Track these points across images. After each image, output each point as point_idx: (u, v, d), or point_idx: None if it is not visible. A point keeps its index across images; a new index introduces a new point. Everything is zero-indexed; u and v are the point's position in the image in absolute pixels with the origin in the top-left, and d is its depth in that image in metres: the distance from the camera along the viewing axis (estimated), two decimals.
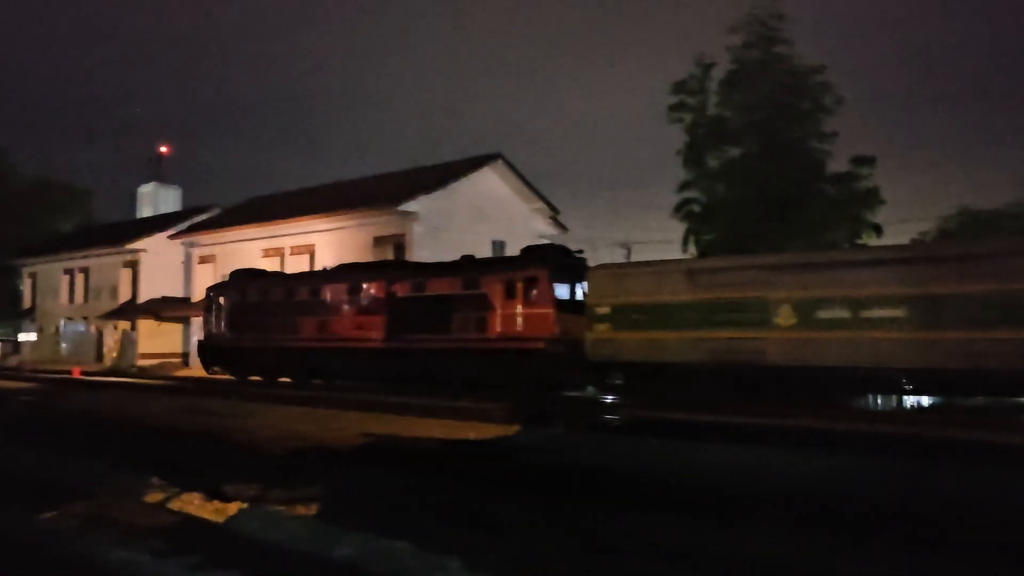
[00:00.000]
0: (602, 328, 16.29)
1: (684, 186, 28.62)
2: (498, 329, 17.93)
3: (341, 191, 32.45)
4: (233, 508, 7.91)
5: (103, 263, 39.43)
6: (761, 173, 25.62)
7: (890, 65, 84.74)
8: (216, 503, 8.21)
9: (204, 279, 33.53)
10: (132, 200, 50.13)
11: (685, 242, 28.01)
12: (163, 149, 51.17)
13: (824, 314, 13.51)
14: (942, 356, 12.38)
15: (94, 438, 12.34)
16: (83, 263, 41.07)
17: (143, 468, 9.80)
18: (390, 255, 27.33)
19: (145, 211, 48.32)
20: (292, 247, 30.57)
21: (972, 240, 18.77)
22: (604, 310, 16.30)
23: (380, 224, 27.58)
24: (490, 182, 29.58)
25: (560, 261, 18.36)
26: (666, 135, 28.22)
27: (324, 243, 29.40)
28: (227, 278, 27.17)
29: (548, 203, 31.02)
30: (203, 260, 34.35)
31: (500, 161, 29.83)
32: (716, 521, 7.14)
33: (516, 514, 7.63)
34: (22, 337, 46.04)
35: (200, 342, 26.81)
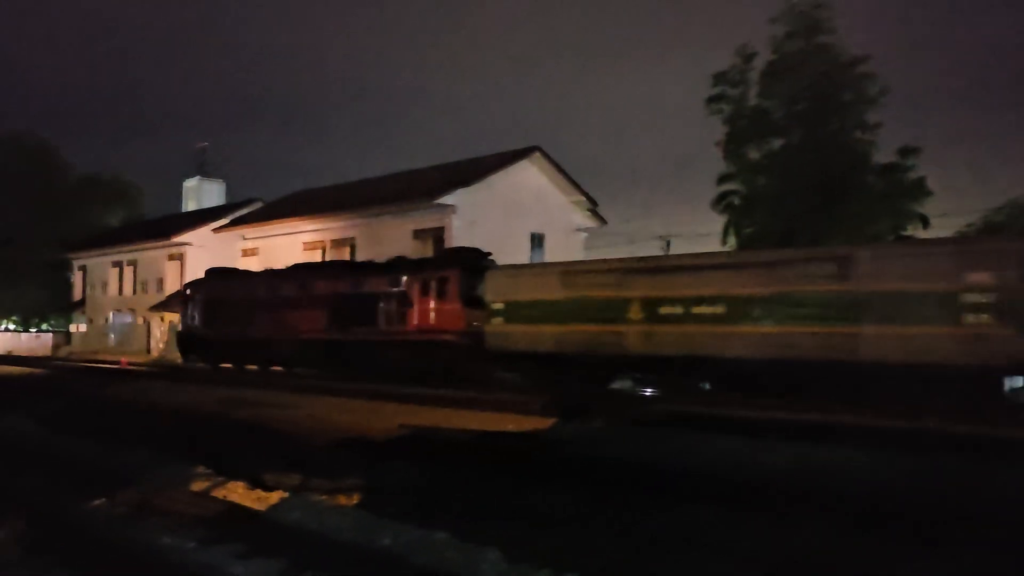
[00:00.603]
0: (497, 322, 18.39)
1: (724, 178, 28.31)
2: (415, 323, 20.00)
3: (381, 185, 32.73)
4: (275, 497, 8.06)
5: (150, 256, 40.30)
6: (803, 165, 25.22)
7: (936, 53, 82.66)
8: (259, 492, 8.37)
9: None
10: (178, 194, 51.18)
11: (725, 234, 27.71)
12: (205, 144, 52.16)
13: (664, 310, 15.76)
14: (753, 348, 14.40)
15: (141, 427, 12.64)
16: (131, 256, 42.02)
17: (188, 457, 10.04)
18: (429, 248, 27.51)
19: (190, 205, 49.25)
20: (333, 240, 30.93)
21: (777, 249, 20.86)
22: (499, 306, 18.42)
23: (419, 217, 27.76)
24: (528, 175, 29.56)
25: (471, 263, 20.07)
26: (707, 127, 27.95)
27: (364, 236, 29.69)
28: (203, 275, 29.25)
29: (587, 195, 30.90)
30: (247, 253, 34.92)
31: (538, 154, 29.79)
32: (761, 516, 7.08)
33: (555, 507, 7.65)
34: (72, 328, 47.34)
35: (178, 333, 29.09)
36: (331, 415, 13.30)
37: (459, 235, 26.39)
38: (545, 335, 17.52)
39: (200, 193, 48.95)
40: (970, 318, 12.40)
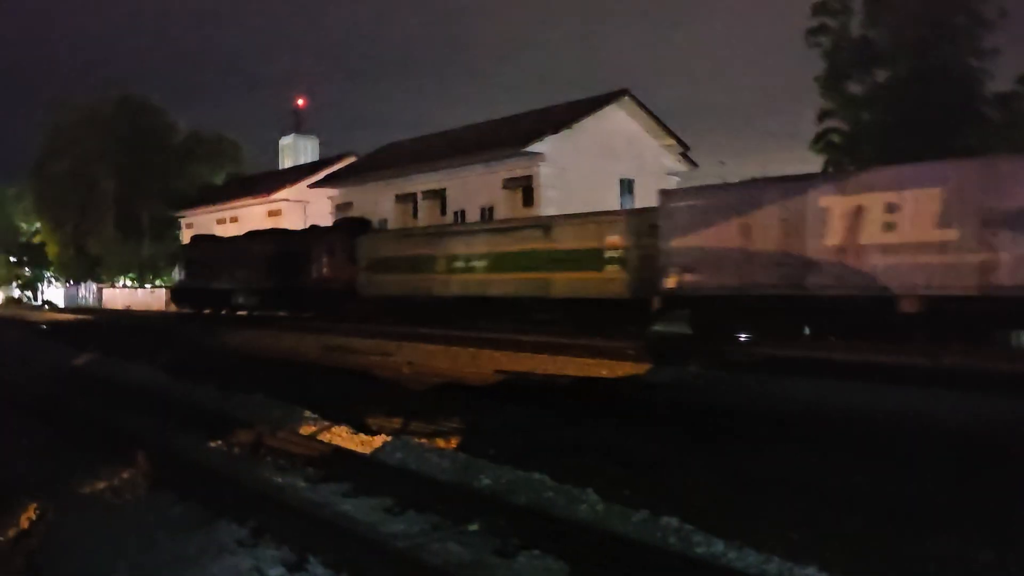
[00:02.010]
0: (364, 274, 24.35)
1: (824, 115, 27.03)
2: (317, 275, 26.34)
3: (470, 135, 32.70)
4: (378, 441, 8.36)
5: (251, 212, 41.78)
6: (912, 97, 23.75)
7: None
8: (362, 436, 8.70)
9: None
10: (275, 151, 52.70)
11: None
12: (300, 102, 53.28)
13: (455, 264, 21.06)
14: (502, 288, 19.67)
15: (250, 374, 13.27)
16: (233, 212, 43.70)
17: (296, 401, 10.50)
18: (519, 198, 27.46)
19: (287, 161, 50.65)
20: (423, 192, 31.24)
21: (513, 219, 25.66)
22: (365, 262, 24.34)
23: (508, 167, 27.68)
24: (618, 119, 28.92)
25: (357, 230, 26.42)
26: (806, 63, 26.66)
27: (454, 187, 29.88)
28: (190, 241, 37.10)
29: (678, 139, 30.05)
30: (340, 207, 35.75)
31: (627, 97, 29.05)
32: (862, 460, 6.89)
33: (650, 449, 7.66)
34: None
35: (173, 287, 37.53)
36: (429, 361, 13.62)
37: (548, 183, 26.21)
38: (390, 282, 23.31)
39: (296, 150, 50.24)
40: (607, 267, 17.35)
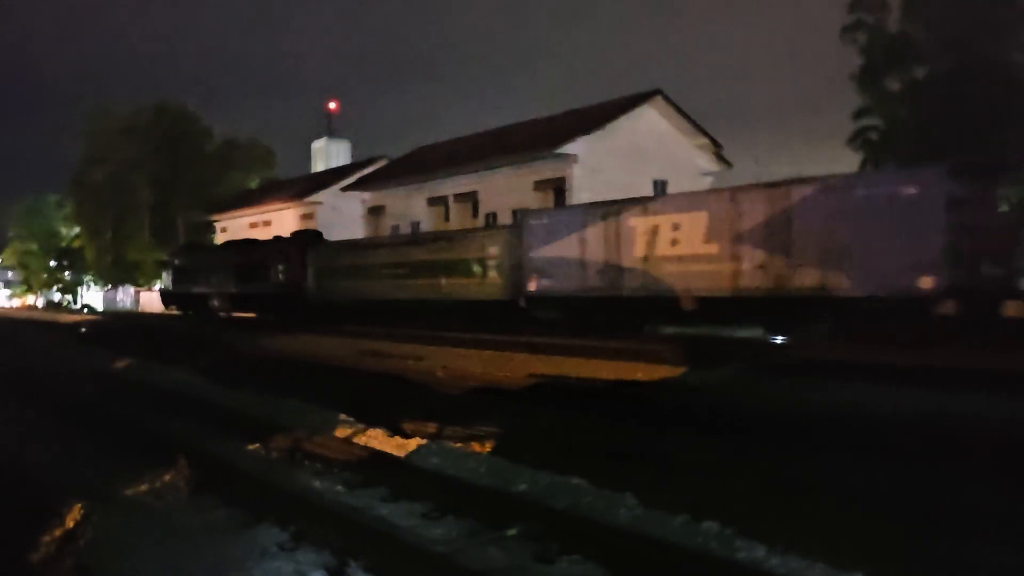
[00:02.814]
0: (314, 281, 27.54)
1: (861, 112, 26.58)
2: (275, 280, 29.21)
3: (501, 137, 32.69)
4: (413, 444, 8.38)
5: (283, 216, 42.23)
6: (953, 93, 23.25)
7: None
8: (398, 439, 8.72)
9: (376, 230, 35.19)
10: (307, 155, 53.23)
11: (862, 172, 26.08)
12: (332, 106, 53.72)
13: (384, 271, 24.11)
14: (411, 292, 22.80)
15: (287, 377, 13.40)
16: (266, 216, 44.20)
17: (330, 406, 10.57)
18: (550, 199, 27.38)
19: (319, 165, 51.12)
20: (455, 195, 31.30)
21: (425, 232, 29.82)
22: (313, 270, 27.56)
23: (539, 168, 27.62)
24: (650, 120, 28.73)
25: (310, 241, 29.17)
26: (840, 61, 26.27)
27: (485, 189, 29.90)
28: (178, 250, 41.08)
29: (711, 138, 29.77)
30: (372, 211, 35.98)
31: (660, 97, 28.84)
32: (902, 465, 6.74)
33: (689, 454, 7.57)
34: None
35: (161, 290, 40.24)
36: (463, 365, 13.62)
37: (580, 184, 26.11)
38: (334, 288, 26.40)
39: (328, 153, 50.69)
40: (489, 273, 20.23)
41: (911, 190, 12.94)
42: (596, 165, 26.23)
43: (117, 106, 53.90)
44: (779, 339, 16.51)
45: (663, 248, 16.19)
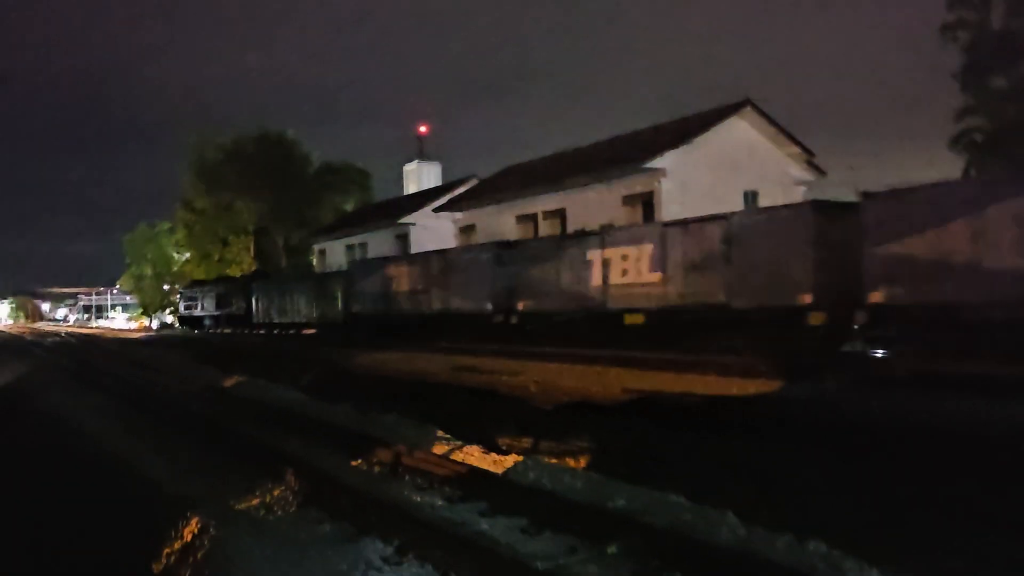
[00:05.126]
0: (256, 306, 39.70)
1: (964, 113, 25.43)
2: (234, 308, 41.94)
3: (589, 153, 32.70)
4: (510, 460, 8.47)
5: (378, 238, 43.35)
6: None
7: None
8: (494, 456, 8.84)
9: None
10: (400, 177, 54.51)
11: (966, 175, 24.89)
12: (422, 129, 54.94)
13: (297, 298, 35.53)
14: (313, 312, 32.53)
15: (384, 394, 13.75)
16: (362, 239, 45.46)
17: (428, 421, 10.80)
18: (639, 214, 27.18)
19: (411, 187, 52.25)
20: (544, 212, 31.47)
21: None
22: (255, 299, 39.78)
23: (628, 183, 27.50)
24: (739, 130, 28.20)
25: (254, 279, 42.49)
26: (938, 62, 25.26)
27: (574, 205, 29.94)
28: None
29: (803, 147, 28.95)
30: (463, 230, 36.56)
31: (749, 107, 28.29)
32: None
33: (790, 469, 7.39)
34: None
35: (177, 315, 56.06)
36: (556, 380, 13.67)
37: (669, 198, 25.83)
38: (269, 312, 37.22)
39: (420, 175, 51.79)
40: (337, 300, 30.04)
41: (785, 213, 15.70)
42: (686, 178, 25.91)
43: (220, 134, 56.79)
44: (879, 352, 15.89)
45: (615, 276, 18.67)
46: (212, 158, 56.04)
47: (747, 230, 15.78)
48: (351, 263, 37.57)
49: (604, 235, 19.43)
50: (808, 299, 14.36)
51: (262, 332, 38.87)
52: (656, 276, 17.39)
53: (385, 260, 30.47)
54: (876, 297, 13.42)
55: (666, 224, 18.37)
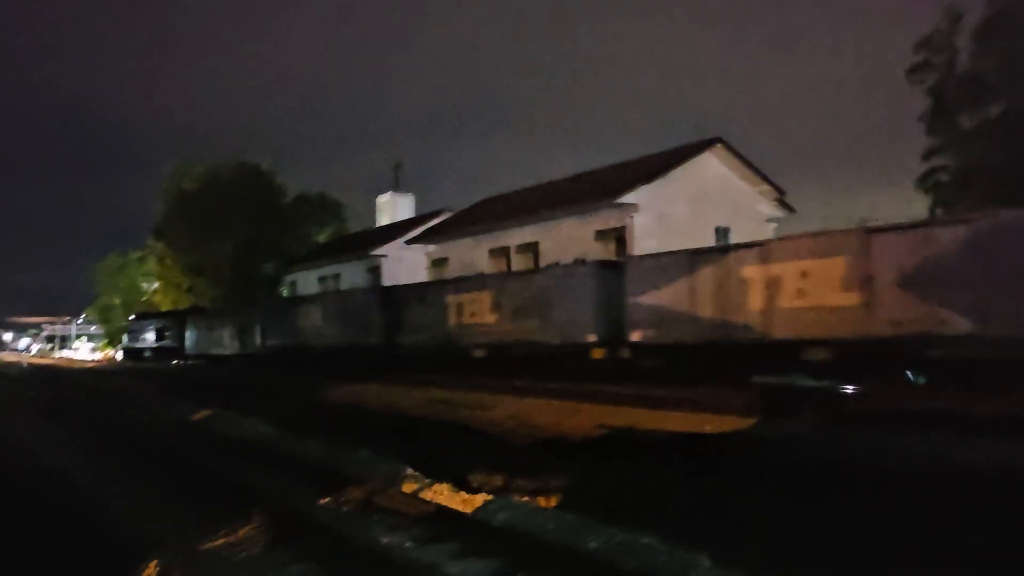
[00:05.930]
0: (189, 340, 42.92)
1: (930, 153, 26.00)
2: (169, 340, 45.61)
3: (562, 187, 32.90)
4: (479, 499, 8.36)
5: (351, 269, 43.10)
6: None
7: None
8: (463, 494, 8.71)
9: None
10: (372, 209, 54.40)
11: (932, 214, 25.38)
12: (398, 163, 55.19)
13: (221, 332, 38.85)
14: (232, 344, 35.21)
15: (355, 428, 13.54)
16: (335, 270, 45.16)
17: (399, 457, 10.64)
18: (612, 248, 27.32)
19: (384, 219, 52.15)
20: (516, 246, 31.51)
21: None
22: (188, 332, 42.63)
23: (601, 218, 27.69)
24: (711, 167, 28.58)
25: (188, 314, 45.11)
26: (904, 102, 25.95)
27: (547, 239, 30.04)
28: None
29: (773, 184, 29.39)
30: (436, 262, 36.49)
31: (720, 145, 28.74)
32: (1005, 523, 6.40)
33: (764, 509, 7.36)
34: None
35: (123, 347, 57.50)
36: (530, 415, 13.57)
37: (642, 233, 26.04)
38: (201, 344, 40.97)
39: (393, 206, 51.75)
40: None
41: (582, 270, 19.29)
42: (658, 213, 26.15)
43: (197, 163, 56.46)
44: (849, 388, 16.00)
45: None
46: (187, 188, 55.65)
47: (557, 280, 19.58)
48: (264, 302, 40.55)
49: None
50: (593, 338, 18.16)
51: (189, 362, 42.96)
52: (493, 318, 21.31)
53: (296, 299, 37.34)
54: (635, 336, 17.24)
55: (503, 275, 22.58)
